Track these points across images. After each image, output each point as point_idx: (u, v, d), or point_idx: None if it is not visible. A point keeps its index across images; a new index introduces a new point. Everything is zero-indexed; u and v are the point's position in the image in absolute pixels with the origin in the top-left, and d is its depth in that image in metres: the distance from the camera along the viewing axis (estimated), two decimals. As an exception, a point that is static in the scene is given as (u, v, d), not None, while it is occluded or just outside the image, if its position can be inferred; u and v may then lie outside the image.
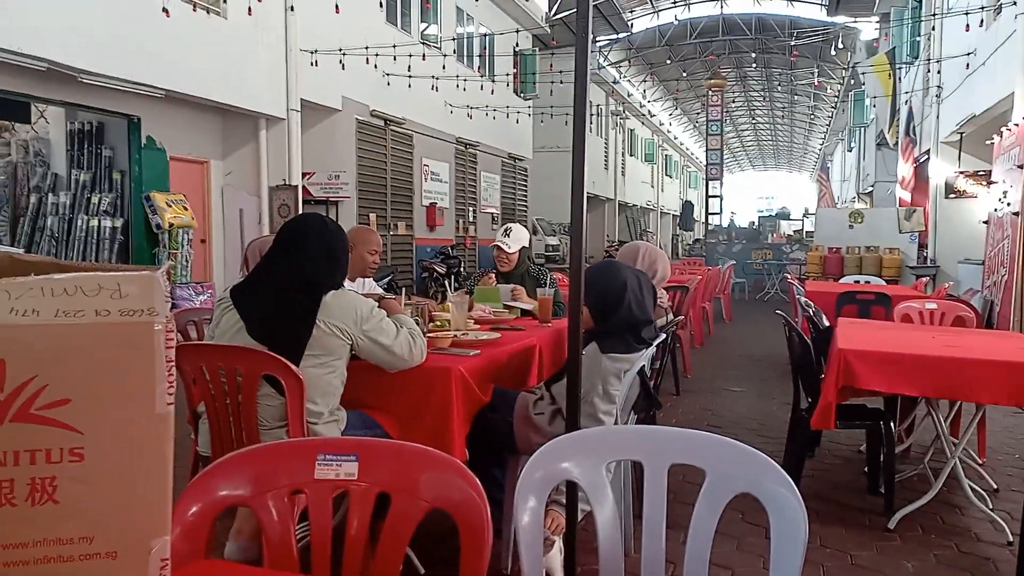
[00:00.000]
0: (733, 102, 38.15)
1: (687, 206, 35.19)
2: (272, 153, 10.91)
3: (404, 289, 3.58)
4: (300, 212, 10.43)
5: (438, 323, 3.54)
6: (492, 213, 18.87)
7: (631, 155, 35.18)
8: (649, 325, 2.94)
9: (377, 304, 2.64)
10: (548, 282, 4.38)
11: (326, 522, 1.37)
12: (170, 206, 9.44)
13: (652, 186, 40.12)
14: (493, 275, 4.52)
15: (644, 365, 2.90)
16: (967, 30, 10.45)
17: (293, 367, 2.38)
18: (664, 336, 3.16)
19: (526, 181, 21.46)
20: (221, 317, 2.57)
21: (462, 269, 14.81)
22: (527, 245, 4.67)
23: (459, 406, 2.64)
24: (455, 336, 3.15)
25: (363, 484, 1.34)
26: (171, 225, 9.33)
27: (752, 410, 5.71)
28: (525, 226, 20.12)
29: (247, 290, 2.55)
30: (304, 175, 11.55)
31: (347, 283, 3.67)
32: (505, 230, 4.64)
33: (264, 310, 2.48)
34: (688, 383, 6.57)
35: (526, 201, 21.49)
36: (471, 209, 17.70)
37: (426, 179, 15.45)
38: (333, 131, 12.54)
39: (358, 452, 1.36)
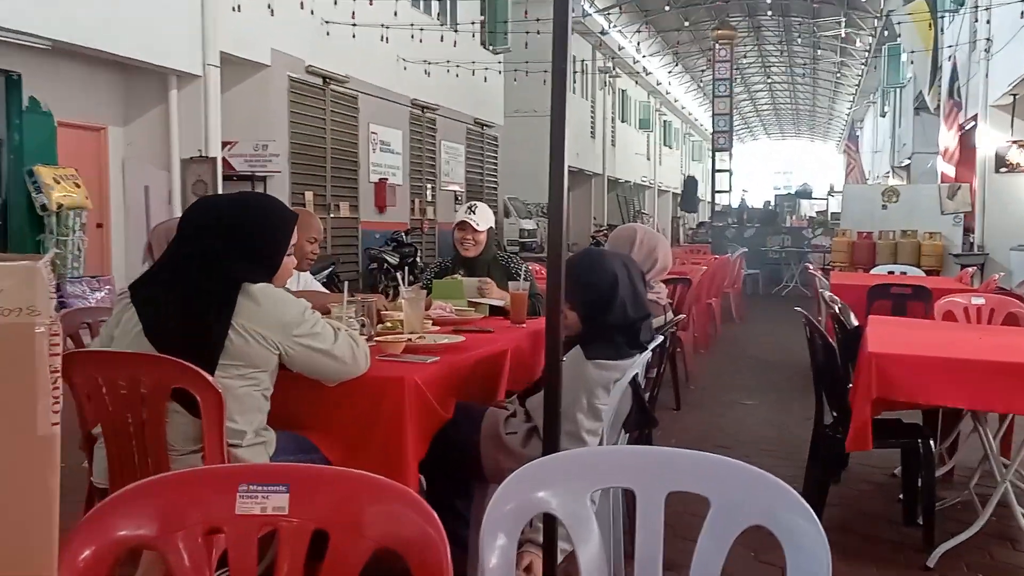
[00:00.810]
0: (744, 57, 38.42)
1: (690, 183, 35.39)
2: (185, 118, 10.81)
3: (347, 284, 3.56)
4: (219, 191, 10.36)
5: (389, 325, 3.53)
6: (455, 191, 18.90)
7: (623, 121, 35.38)
8: (644, 325, 2.95)
9: (311, 306, 2.62)
10: (522, 274, 4.39)
11: (250, 567, 1.36)
12: (58, 183, 9.29)
13: (648, 158, 40.43)
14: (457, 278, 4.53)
15: (638, 373, 2.92)
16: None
17: (210, 378, 2.36)
18: (662, 338, 3.18)
19: (496, 152, 21.50)
20: (120, 317, 2.53)
21: (418, 259, 14.81)
22: (494, 227, 4.68)
23: (414, 424, 2.64)
24: (409, 340, 3.15)
25: (295, 520, 1.33)
26: (59, 206, 9.19)
27: (766, 426, 5.77)
28: (494, 208, 20.21)
29: (148, 285, 2.52)
30: (224, 145, 11.47)
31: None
32: (470, 206, 4.65)
33: (166, 310, 2.45)
34: (690, 395, 6.62)
35: (496, 177, 21.55)
36: (429, 187, 17.70)
37: (374, 150, 15.41)
38: (260, 92, 12.46)
39: (289, 481, 1.35)
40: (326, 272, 10.94)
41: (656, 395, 3.57)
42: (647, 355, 2.97)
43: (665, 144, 44.51)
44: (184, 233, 2.54)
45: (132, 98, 10.87)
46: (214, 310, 2.41)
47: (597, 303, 2.90)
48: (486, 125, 20.54)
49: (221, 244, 2.47)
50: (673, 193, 44.79)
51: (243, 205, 2.58)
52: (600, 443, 2.80)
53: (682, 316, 4.81)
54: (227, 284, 2.44)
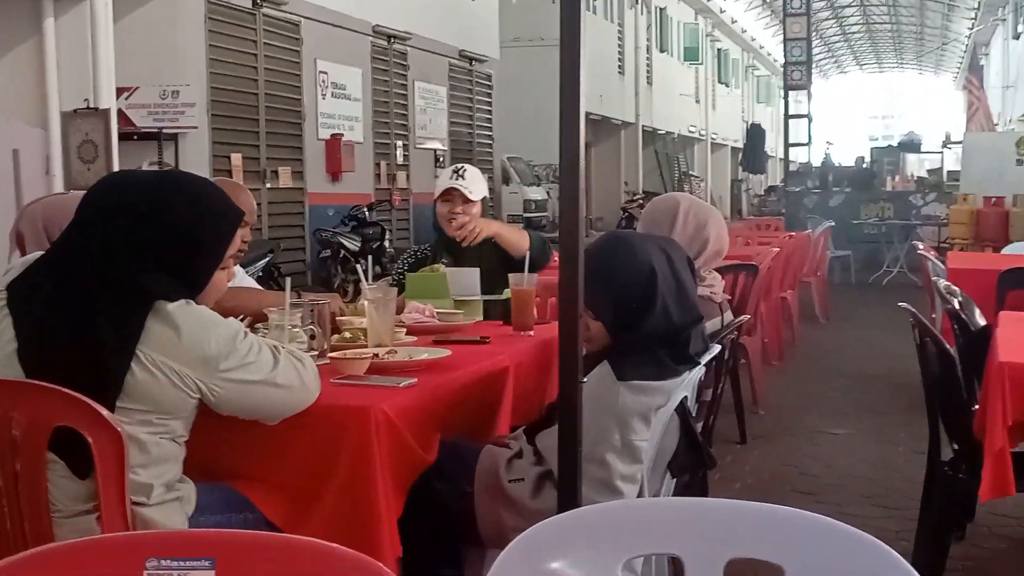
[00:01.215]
0: (827, -39, 38.42)
1: (755, 133, 35.41)
2: (66, 57, 10.78)
3: (289, 280, 3.56)
4: (114, 154, 10.35)
5: (348, 335, 3.52)
6: (435, 150, 18.90)
7: (662, 51, 35.37)
8: (695, 332, 2.96)
9: (247, 328, 2.61)
10: (528, 259, 4.39)
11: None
12: None
13: (697, 101, 40.43)
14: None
15: (686, 397, 2.92)
16: None
17: (105, 413, 2.36)
18: (719, 348, 3.18)
19: (489, 97, 21.49)
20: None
21: (386, 244, 14.79)
22: (488, 198, 4.70)
23: (385, 471, 2.64)
24: (375, 356, 3.15)
25: (225, 606, 1.34)
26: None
27: (863, 465, 5.76)
28: (489, 173, 20.15)
29: (25, 288, 2.51)
30: (121, 93, 11.45)
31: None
32: (456, 170, 4.65)
33: (50, 323, 2.44)
34: (759, 422, 6.63)
35: (490, 130, 21.53)
36: (400, 145, 17.70)
37: (324, 96, 15.42)
38: (167, 19, 12.45)
39: (215, 553, 1.35)
40: (261, 263, 10.93)
41: (713, 425, 3.57)
42: (699, 372, 2.98)
43: (720, 82, 44.52)
44: (83, 218, 2.53)
45: (-7, 30, 10.85)
46: (112, 330, 2.40)
47: (628, 307, 2.90)
48: (476, 59, 20.51)
49: (130, 244, 2.47)
50: (732, 148, 44.81)
51: (171, 190, 2.55)
52: (638, 493, 2.81)
53: (746, 317, 4.80)
54: (134, 299, 2.43)
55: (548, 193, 24.71)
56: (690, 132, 39.17)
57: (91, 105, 10.68)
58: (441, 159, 18.90)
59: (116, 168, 9.96)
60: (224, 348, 2.47)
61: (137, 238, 2.46)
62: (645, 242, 3.02)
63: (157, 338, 2.41)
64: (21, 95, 10.81)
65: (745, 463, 5.77)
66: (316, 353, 3.10)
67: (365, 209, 15.06)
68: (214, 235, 2.58)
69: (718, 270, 4.66)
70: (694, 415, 3.05)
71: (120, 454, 2.38)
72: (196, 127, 12.34)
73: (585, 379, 2.56)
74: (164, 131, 12.10)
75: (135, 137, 11.85)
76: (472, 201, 4.56)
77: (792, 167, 23.67)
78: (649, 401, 2.83)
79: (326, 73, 15.44)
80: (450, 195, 4.58)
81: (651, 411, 2.83)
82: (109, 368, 2.39)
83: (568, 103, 2.37)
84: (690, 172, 37.87)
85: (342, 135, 15.71)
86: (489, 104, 21.44)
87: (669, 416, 2.85)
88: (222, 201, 2.63)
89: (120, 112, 11.41)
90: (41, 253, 2.65)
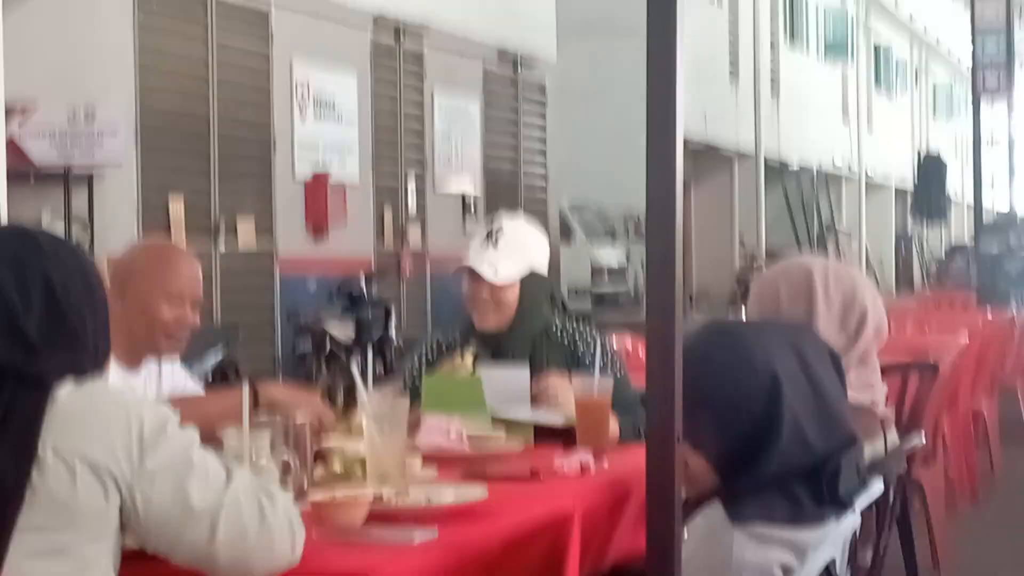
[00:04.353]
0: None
1: (931, 168, 35.29)
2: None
3: (247, 382, 3.51)
4: (1, 203, 10.41)
5: (337, 468, 3.53)
6: (465, 196, 18.89)
7: (791, 44, 35.33)
8: (845, 461, 2.95)
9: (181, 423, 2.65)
10: (596, 357, 4.39)
11: None
12: None
13: (844, 116, 40.17)
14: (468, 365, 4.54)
15: (834, 555, 2.91)
16: None
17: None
18: (882, 487, 3.17)
19: (542, 114, 21.51)
20: None
21: (392, 332, 14.77)
22: (540, 267, 4.70)
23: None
24: (377, 499, 3.16)
25: None
26: None
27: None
28: (544, 226, 19.79)
29: None
30: (11, 113, 11.56)
31: (116, 372, 3.68)
32: (488, 234, 4.66)
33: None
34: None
35: (544, 162, 21.52)
36: (413, 186, 17.73)
37: (304, 114, 15.51)
38: (80, 6, 12.60)
39: None
40: (211, 362, 10.95)
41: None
42: (853, 521, 2.97)
43: (878, 86, 44.24)
44: None
45: None
46: (9, 443, 2.46)
47: (740, 436, 2.91)
48: (522, 62, 20.59)
49: (30, 320, 2.55)
50: (896, 189, 44.58)
51: (53, 243, 2.68)
52: None
53: (919, 442, 4.77)
54: (26, 382, 2.51)
55: (628, 252, 24.58)
56: (835, 167, 38.88)
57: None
58: (471, 207, 18.86)
59: (3, 222, 10.00)
60: (151, 431, 2.54)
61: (20, 308, 2.55)
62: (762, 335, 3.01)
63: (62, 420, 2.49)
64: None
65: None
66: (291, 493, 3.10)
67: (362, 281, 15.05)
68: (95, 290, 2.70)
69: (881, 366, 4.64)
70: (848, 582, 3.04)
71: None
72: (120, 165, 12.38)
73: (688, 528, 2.55)
74: (73, 171, 12.09)
75: (32, 177, 11.92)
76: (501, 286, 4.55)
77: (986, 217, 23.50)
78: (775, 556, 2.83)
79: (307, 82, 15.51)
80: (474, 275, 4.60)
81: (776, 571, 2.83)
82: (3, 503, 2.45)
83: (659, 124, 2.37)
84: (835, 225, 37.63)
85: (329, 173, 15.68)
86: (542, 126, 21.43)
87: (811, 583, 2.85)
88: (76, 249, 2.80)
89: (10, 142, 11.40)
90: None
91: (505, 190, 19.99)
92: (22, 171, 11.66)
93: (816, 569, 2.85)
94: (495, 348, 4.59)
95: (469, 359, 4.42)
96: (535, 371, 4.39)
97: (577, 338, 4.63)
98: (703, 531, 2.77)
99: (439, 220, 18.11)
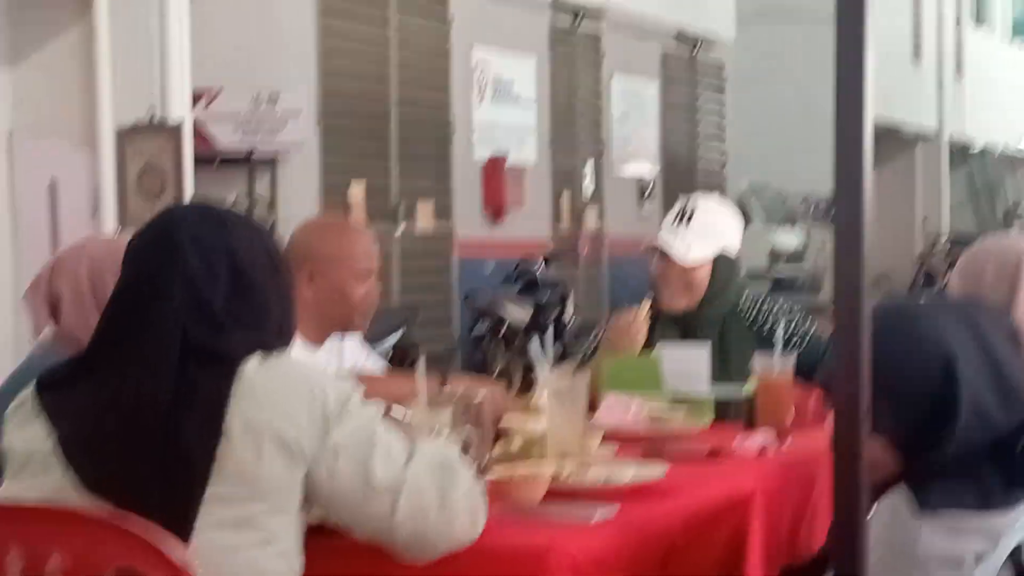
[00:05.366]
0: None
1: None
2: (123, 52, 11.05)
3: (423, 360, 3.49)
4: (188, 185, 10.52)
5: (515, 446, 3.53)
6: (642, 179, 18.82)
7: (979, 22, 34.73)
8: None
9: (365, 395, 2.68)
10: (785, 336, 4.35)
11: None
12: None
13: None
14: (641, 315, 4.51)
15: (1020, 539, 2.85)
16: None
17: (175, 556, 2.41)
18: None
19: (721, 96, 21.37)
20: (14, 437, 2.65)
21: (567, 313, 14.73)
22: (731, 248, 4.66)
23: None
24: (557, 475, 3.15)
25: None
26: None
27: None
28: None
29: (70, 381, 2.64)
30: (198, 99, 11.69)
31: (299, 348, 3.71)
32: (681, 213, 4.63)
33: (104, 427, 2.54)
34: None
35: (722, 144, 21.38)
36: (590, 169, 17.70)
37: (483, 97, 15.54)
38: (263, -7, 12.77)
39: None
40: (390, 340, 11.00)
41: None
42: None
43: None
44: (137, 276, 2.66)
45: (25, 19, 11.18)
46: (197, 417, 2.51)
47: (917, 419, 2.86)
48: (701, 43, 20.47)
49: (216, 297, 2.61)
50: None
51: (238, 221, 2.77)
52: None
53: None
54: (218, 366, 2.57)
55: (808, 236, 24.32)
56: (1020, 150, 38.16)
57: (156, 118, 10.70)
58: (648, 191, 18.79)
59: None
60: (334, 404, 2.60)
61: (206, 286, 2.62)
62: (938, 315, 2.94)
63: (250, 391, 2.55)
64: (60, 105, 10.97)
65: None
66: (473, 469, 3.11)
67: (541, 263, 15.01)
68: (285, 268, 2.81)
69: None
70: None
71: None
72: (300, 145, 12.48)
73: (872, 513, 2.52)
74: (256, 155, 12.24)
75: (218, 161, 12.04)
76: (692, 268, 4.53)
77: None
78: (965, 545, 2.78)
79: (485, 65, 15.55)
80: (660, 250, 4.58)
81: (968, 560, 2.78)
82: (191, 456, 2.50)
83: (847, 104, 2.32)
84: (1021, 208, 36.91)
85: (506, 156, 15.69)
86: (721, 107, 21.30)
87: (997, 570, 2.79)
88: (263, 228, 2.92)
89: (196, 127, 11.50)
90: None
91: (683, 173, 19.86)
92: (205, 156, 11.73)
93: (1004, 554, 2.80)
94: (682, 329, 4.57)
95: (639, 335, 4.41)
96: (722, 353, 4.37)
97: (763, 317, 4.59)
98: (887, 517, 2.73)
99: (616, 203, 18.04)
